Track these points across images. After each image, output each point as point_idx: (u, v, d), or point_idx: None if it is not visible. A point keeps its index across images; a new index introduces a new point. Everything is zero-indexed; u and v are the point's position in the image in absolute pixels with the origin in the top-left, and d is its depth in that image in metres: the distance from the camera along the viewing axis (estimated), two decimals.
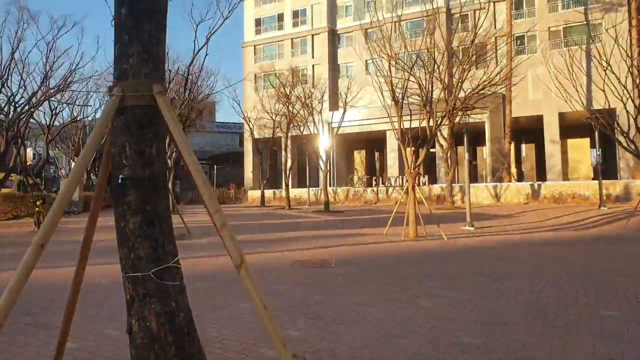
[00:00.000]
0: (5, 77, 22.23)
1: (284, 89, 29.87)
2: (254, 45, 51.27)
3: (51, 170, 47.70)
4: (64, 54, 25.39)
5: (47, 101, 25.84)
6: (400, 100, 14.75)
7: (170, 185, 27.99)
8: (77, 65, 25.78)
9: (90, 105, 35.35)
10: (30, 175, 29.11)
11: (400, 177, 35.19)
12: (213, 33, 22.91)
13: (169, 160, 26.31)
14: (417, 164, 14.77)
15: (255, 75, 48.82)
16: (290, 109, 28.23)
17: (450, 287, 6.53)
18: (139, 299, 2.79)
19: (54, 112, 30.39)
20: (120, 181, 2.83)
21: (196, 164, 2.58)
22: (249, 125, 34.99)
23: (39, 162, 36.75)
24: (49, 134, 30.36)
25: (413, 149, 14.65)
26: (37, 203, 17.14)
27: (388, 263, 9.19)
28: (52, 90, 24.82)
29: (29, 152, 41.39)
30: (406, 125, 15.13)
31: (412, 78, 16.83)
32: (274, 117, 31.01)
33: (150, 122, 2.86)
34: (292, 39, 48.83)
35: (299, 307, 5.59)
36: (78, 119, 33.92)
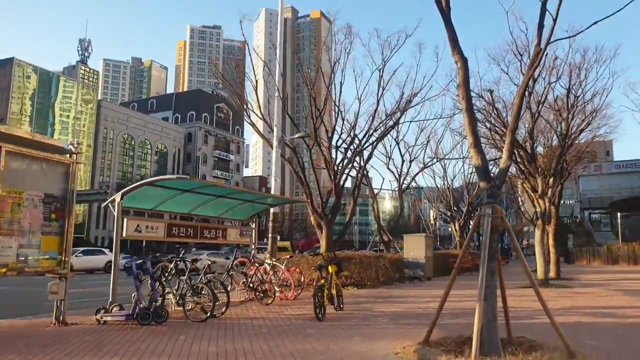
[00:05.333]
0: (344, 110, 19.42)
1: None
2: None
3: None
4: (393, 75, 20.64)
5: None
6: None
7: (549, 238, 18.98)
8: (407, 84, 20.28)
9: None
10: (384, 231, 24.44)
11: None
12: None
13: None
14: None
15: None
16: None
17: None
18: None
19: (410, 161, 26.28)
20: None
21: None
22: None
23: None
24: (401, 185, 26.22)
25: None
26: (329, 269, 9.03)
27: None
28: (386, 116, 20.41)
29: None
30: None
31: None
32: None
33: None
34: None
35: None
36: (428, 165, 29.00)
